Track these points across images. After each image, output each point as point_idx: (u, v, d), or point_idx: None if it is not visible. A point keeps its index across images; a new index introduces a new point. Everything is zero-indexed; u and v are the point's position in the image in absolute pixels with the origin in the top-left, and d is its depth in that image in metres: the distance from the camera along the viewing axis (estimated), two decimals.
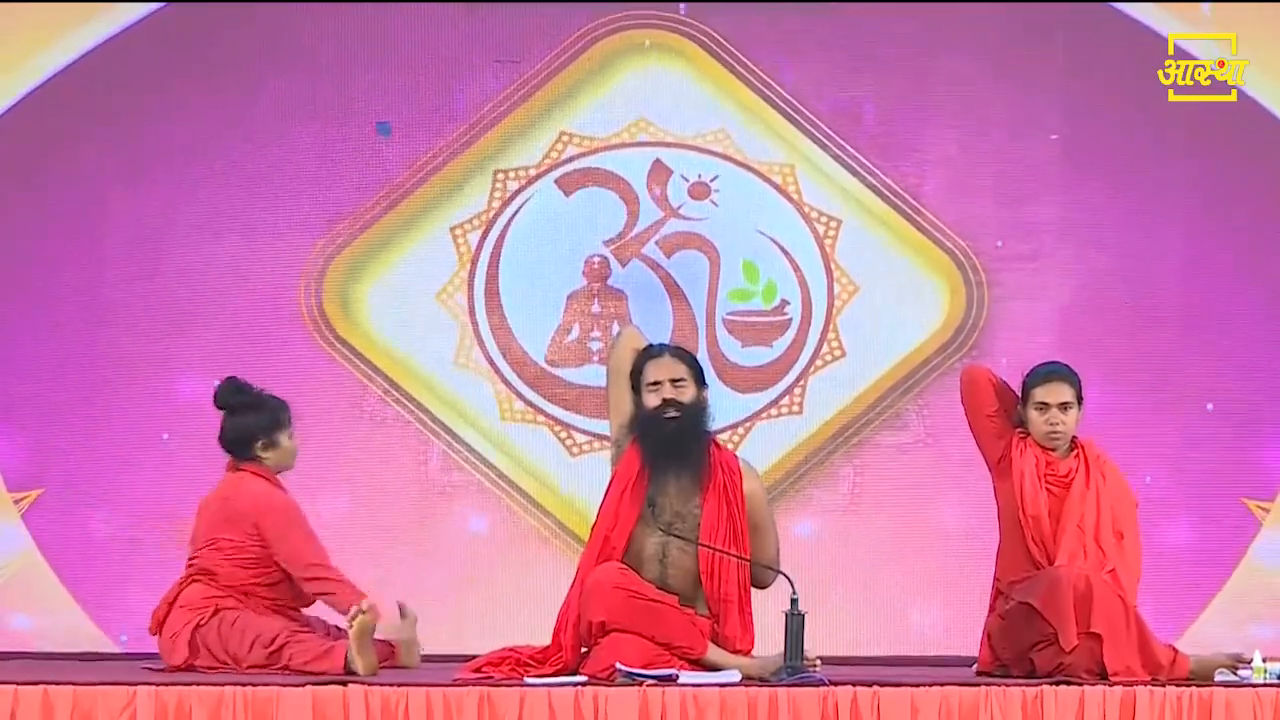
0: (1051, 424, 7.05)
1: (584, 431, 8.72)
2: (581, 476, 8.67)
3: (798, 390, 8.78)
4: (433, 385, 8.73)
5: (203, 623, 7.10)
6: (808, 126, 8.80)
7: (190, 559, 7.29)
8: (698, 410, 6.85)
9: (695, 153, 8.83)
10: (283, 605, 7.22)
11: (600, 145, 8.81)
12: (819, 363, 8.79)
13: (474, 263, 8.77)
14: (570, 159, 8.79)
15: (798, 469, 8.75)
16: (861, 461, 8.75)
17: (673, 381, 6.84)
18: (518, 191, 8.79)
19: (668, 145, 8.83)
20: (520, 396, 8.75)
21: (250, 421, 7.34)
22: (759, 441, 8.72)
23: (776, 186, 8.81)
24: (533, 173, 8.78)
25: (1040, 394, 7.07)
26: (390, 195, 8.76)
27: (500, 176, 8.77)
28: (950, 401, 8.60)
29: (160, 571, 7.37)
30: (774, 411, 8.77)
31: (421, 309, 8.77)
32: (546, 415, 8.75)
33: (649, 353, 6.91)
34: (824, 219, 8.81)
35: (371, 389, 8.70)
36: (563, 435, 8.76)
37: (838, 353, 8.79)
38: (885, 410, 8.77)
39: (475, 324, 8.75)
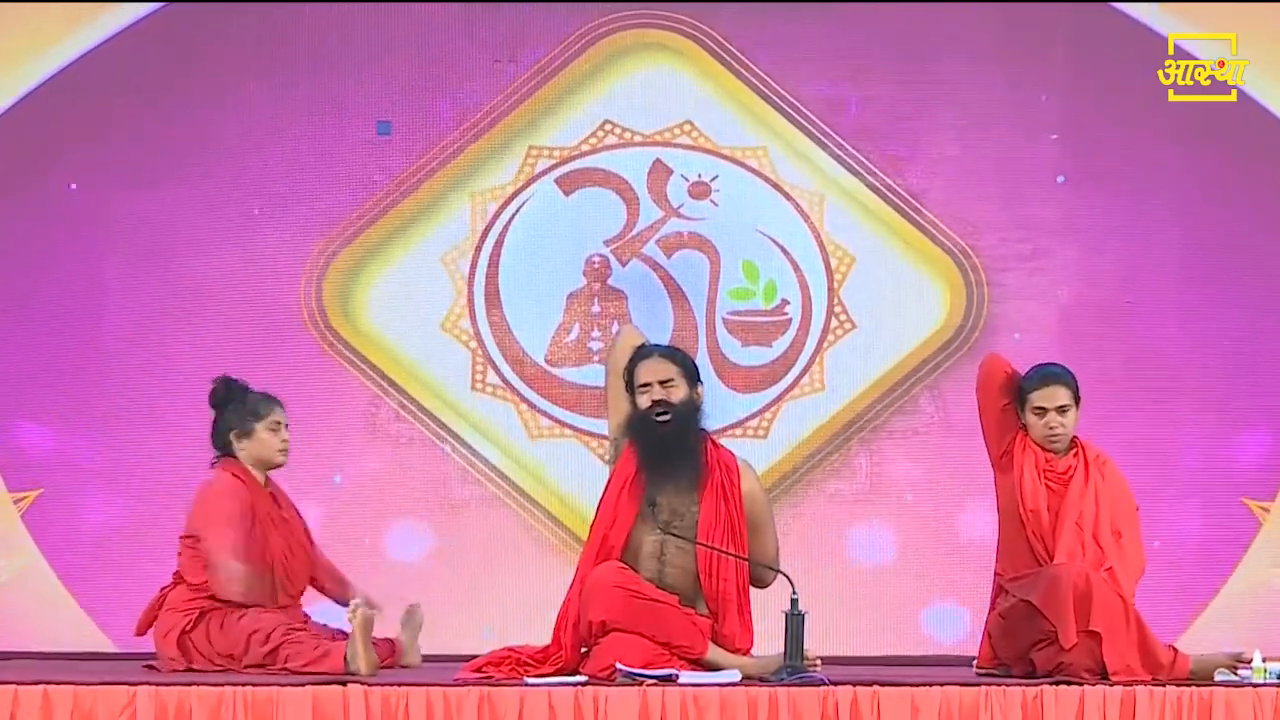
0: (1050, 427, 7.05)
1: (583, 431, 8.72)
2: (579, 475, 8.66)
3: (795, 392, 8.78)
4: (431, 383, 8.73)
5: (189, 628, 7.06)
6: (808, 127, 8.80)
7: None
8: (689, 410, 6.84)
9: (695, 153, 8.83)
10: (257, 602, 7.12)
11: (602, 145, 8.82)
12: (818, 363, 8.79)
13: (474, 262, 8.77)
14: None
15: (797, 468, 8.74)
16: (862, 461, 8.75)
17: (662, 383, 6.83)
18: (518, 192, 8.79)
19: (669, 145, 8.83)
20: (520, 396, 8.75)
21: (227, 416, 7.30)
22: (759, 442, 8.72)
23: (775, 185, 8.81)
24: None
25: (1037, 399, 7.06)
26: (390, 194, 8.76)
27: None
28: (952, 401, 8.65)
29: (161, 572, 7.36)
30: (771, 412, 8.77)
31: (421, 308, 8.76)
32: (547, 415, 8.75)
33: (640, 353, 6.90)
34: (824, 219, 8.81)
35: (371, 388, 8.70)
36: (560, 434, 8.76)
37: (836, 354, 8.80)
38: (885, 409, 8.76)
39: (475, 323, 8.74)
